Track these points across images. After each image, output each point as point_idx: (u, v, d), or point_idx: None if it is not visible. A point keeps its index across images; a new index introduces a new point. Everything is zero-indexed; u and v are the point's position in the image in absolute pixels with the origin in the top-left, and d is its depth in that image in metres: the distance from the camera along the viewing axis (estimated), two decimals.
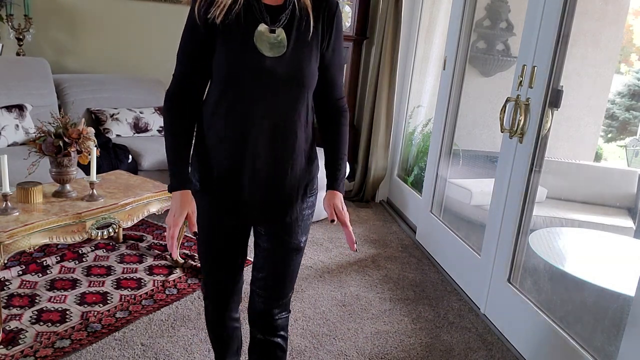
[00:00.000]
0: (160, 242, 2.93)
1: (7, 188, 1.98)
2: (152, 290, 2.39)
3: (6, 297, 2.22)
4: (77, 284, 2.39)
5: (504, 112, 2.23)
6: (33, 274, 2.44)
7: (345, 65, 4.03)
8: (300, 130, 1.26)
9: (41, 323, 2.06)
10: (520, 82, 2.18)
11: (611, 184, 3.76)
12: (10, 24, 3.70)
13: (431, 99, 3.92)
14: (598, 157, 4.20)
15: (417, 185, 3.73)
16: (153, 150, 3.24)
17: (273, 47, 1.18)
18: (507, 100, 2.22)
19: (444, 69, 3.07)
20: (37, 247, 2.03)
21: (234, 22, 1.17)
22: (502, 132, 2.26)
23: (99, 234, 2.20)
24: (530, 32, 2.15)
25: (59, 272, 2.49)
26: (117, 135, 3.48)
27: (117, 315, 2.17)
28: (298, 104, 1.23)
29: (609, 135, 4.55)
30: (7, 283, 2.34)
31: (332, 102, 1.34)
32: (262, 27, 1.18)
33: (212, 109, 1.24)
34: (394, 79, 3.75)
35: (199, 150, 1.30)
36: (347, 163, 1.36)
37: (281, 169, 1.25)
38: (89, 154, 2.23)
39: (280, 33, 1.19)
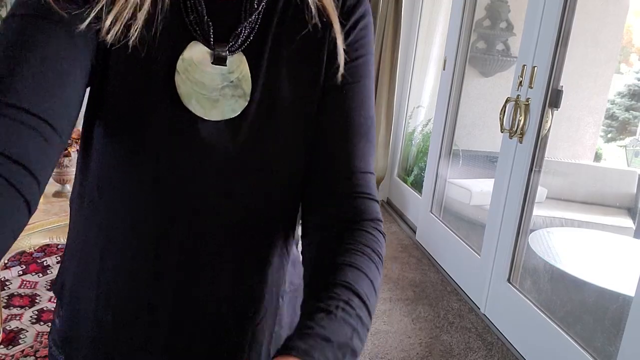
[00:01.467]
0: None
1: None
2: None
3: (6, 297, 2.22)
4: None
5: (504, 112, 2.24)
6: (33, 274, 2.44)
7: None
8: (273, 270, 0.62)
9: (41, 323, 2.06)
10: (520, 82, 2.18)
11: (611, 184, 3.76)
12: None
13: (431, 99, 3.92)
14: (598, 157, 4.21)
15: (417, 185, 3.74)
16: None
17: (221, 98, 0.52)
18: (507, 101, 2.22)
19: (444, 69, 3.07)
20: (37, 247, 2.03)
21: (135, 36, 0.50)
22: (502, 132, 2.26)
23: None
24: (530, 32, 2.16)
25: None
26: None
27: None
28: (269, 224, 0.59)
29: (609, 136, 4.55)
30: (7, 283, 2.34)
31: (345, 208, 0.55)
32: (197, 49, 0.52)
33: (82, 221, 0.61)
34: (394, 79, 3.75)
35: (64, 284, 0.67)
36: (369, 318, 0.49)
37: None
38: None
39: (238, 65, 0.53)
